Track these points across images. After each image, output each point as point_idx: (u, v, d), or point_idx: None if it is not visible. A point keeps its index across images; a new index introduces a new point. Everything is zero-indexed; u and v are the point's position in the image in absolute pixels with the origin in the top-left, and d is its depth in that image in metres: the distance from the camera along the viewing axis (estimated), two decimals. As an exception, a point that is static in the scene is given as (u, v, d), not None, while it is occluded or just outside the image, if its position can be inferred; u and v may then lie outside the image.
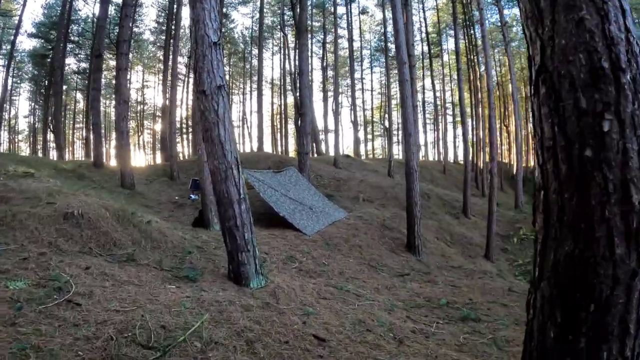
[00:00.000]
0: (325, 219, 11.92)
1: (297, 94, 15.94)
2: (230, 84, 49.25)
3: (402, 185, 20.76)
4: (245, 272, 5.37)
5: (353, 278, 7.77)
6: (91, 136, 20.73)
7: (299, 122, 15.61)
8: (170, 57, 22.67)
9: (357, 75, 40.64)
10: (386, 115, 52.21)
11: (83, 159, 30.82)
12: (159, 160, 31.27)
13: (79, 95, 41.69)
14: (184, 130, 41.76)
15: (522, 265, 15.93)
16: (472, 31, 31.62)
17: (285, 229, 10.29)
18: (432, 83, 38.38)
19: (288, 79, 28.81)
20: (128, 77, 36.00)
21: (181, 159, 33.32)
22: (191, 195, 14.90)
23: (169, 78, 21.76)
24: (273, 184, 12.00)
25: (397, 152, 44.20)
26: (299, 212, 11.33)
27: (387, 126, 37.64)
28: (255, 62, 37.85)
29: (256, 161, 20.14)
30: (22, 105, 74.94)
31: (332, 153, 30.75)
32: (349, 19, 31.99)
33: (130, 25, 30.17)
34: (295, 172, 14.16)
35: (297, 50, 17.27)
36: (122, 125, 14.96)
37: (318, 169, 20.09)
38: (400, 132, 41.24)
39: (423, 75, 39.01)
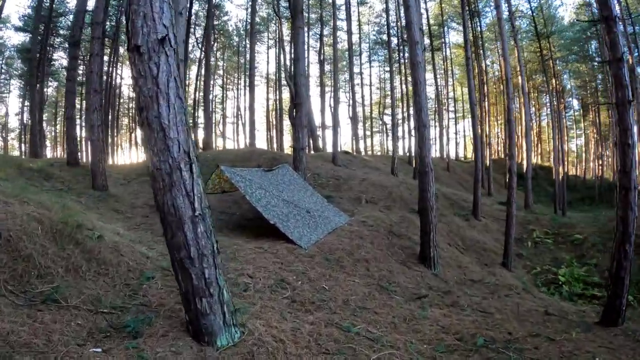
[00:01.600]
0: (325, 225, 10.21)
1: (292, 82, 14.18)
2: (225, 79, 47.68)
3: (408, 184, 19.25)
4: (208, 325, 3.63)
5: (361, 308, 6.07)
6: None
7: (294, 113, 13.82)
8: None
9: (355, 69, 38.92)
10: (385, 111, 50.92)
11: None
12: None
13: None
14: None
15: (542, 274, 14.41)
16: (476, 22, 30.03)
17: (276, 239, 8.56)
18: (435, 77, 36.68)
19: (284, 75, 27.12)
20: (123, 69, 34.55)
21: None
22: (172, 197, 13.17)
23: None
24: (263, 183, 10.26)
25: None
26: (293, 217, 9.60)
27: (390, 121, 35.96)
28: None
29: (247, 158, 18.38)
30: (13, 103, 73.58)
31: (329, 150, 29.09)
32: (348, 9, 30.24)
33: (114, 10, 28.67)
34: (289, 170, 12.40)
35: (292, 35, 15.54)
36: (92, 118, 13.19)
37: (315, 167, 18.39)
38: (400, 129, 39.52)
39: (424, 68, 37.29)
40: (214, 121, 45.42)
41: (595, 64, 33.13)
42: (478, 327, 6.24)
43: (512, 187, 12.99)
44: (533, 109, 45.36)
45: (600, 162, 40.50)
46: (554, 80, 29.41)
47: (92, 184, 13.18)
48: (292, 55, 14.64)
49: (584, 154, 46.84)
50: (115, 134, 41.40)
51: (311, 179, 16.26)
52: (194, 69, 40.02)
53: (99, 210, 10.79)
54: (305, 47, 34.74)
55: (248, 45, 39.70)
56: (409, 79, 29.16)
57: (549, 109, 44.86)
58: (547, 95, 41.66)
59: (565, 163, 32.48)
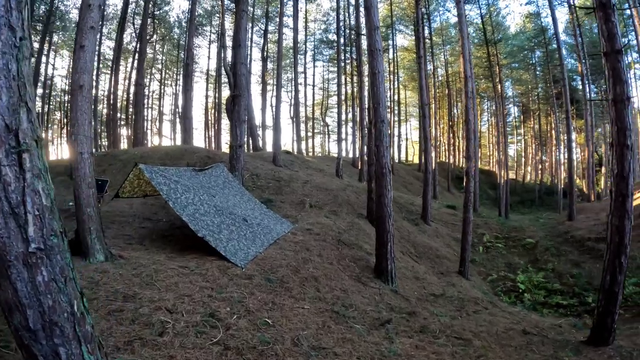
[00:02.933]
0: (265, 235, 8.67)
1: (231, 72, 12.48)
2: (163, 73, 45.03)
3: (354, 187, 18.11)
4: None
5: (317, 349, 4.62)
6: None
7: (232, 106, 12.13)
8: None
9: (299, 68, 37.63)
10: (328, 112, 50.15)
11: None
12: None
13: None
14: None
15: (499, 281, 13.74)
16: (425, 25, 29.80)
17: (206, 254, 6.94)
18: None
19: (223, 67, 25.03)
20: (56, 59, 31.11)
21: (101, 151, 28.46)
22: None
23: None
24: (193, 186, 8.57)
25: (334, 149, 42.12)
26: (227, 227, 7.98)
27: (332, 122, 34.88)
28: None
29: (179, 156, 16.40)
30: None
31: (269, 149, 27.55)
32: (296, 5, 28.80)
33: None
34: (224, 171, 10.69)
35: (235, 19, 13.91)
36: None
37: (254, 167, 16.76)
38: (344, 129, 38.67)
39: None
40: (149, 117, 42.61)
41: (538, 72, 34.29)
42: (457, 358, 5.05)
43: (469, 191, 12.09)
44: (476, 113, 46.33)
45: (541, 167, 41.85)
46: (499, 86, 29.66)
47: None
48: (233, 43, 12.94)
49: (523, 159, 48.37)
50: (45, 129, 37.99)
51: (250, 180, 14.68)
52: (130, 61, 37.23)
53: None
54: (249, 42, 33.03)
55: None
56: (355, 79, 28.25)
57: (488, 114, 45.96)
58: (487, 101, 42.51)
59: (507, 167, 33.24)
